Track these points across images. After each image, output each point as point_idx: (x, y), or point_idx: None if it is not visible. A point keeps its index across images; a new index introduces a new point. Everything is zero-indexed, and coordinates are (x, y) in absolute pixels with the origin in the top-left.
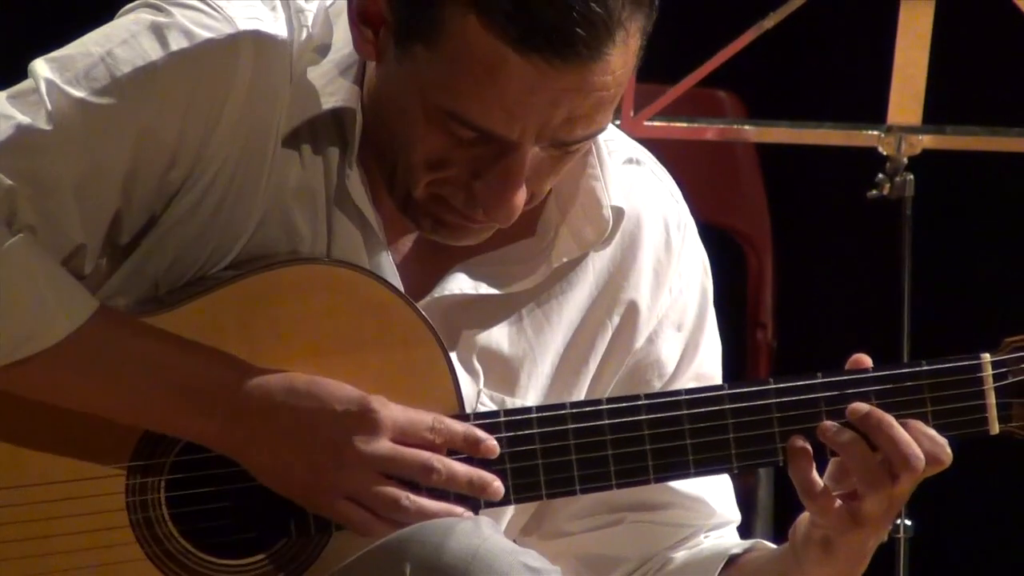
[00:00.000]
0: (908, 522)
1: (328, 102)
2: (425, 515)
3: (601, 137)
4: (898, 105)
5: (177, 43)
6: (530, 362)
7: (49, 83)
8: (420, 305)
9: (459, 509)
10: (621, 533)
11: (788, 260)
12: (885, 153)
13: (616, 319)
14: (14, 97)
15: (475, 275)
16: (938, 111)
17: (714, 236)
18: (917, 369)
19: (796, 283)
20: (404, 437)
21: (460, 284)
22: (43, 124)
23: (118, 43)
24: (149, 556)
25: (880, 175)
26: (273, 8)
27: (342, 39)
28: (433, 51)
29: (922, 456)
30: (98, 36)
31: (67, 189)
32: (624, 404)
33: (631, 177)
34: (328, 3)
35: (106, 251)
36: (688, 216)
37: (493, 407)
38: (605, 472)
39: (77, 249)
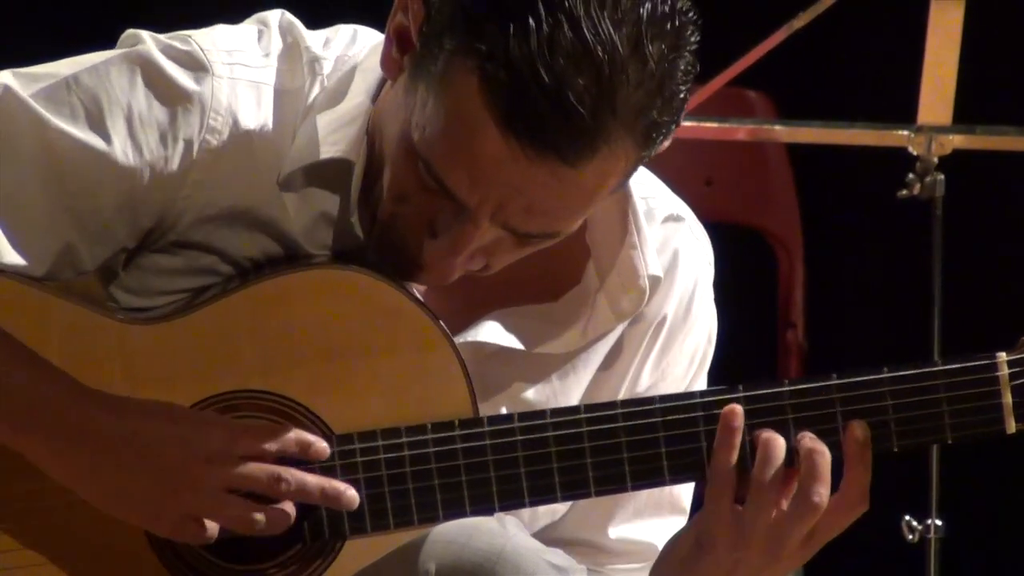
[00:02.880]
0: (939, 522)
1: (328, 152)
2: (273, 525)
3: (639, 195)
4: (928, 105)
5: (144, 80)
6: (553, 405)
7: (6, 89)
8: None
9: (338, 487)
10: None
11: (819, 260)
12: (915, 153)
13: (633, 368)
14: None
15: (508, 327)
16: (968, 111)
17: (744, 236)
18: (933, 369)
19: (827, 283)
20: (251, 452)
21: (493, 334)
22: None
23: (87, 68)
24: (161, 559)
25: (910, 175)
26: (267, 55)
27: (359, 89)
28: (431, 95)
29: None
30: (73, 59)
31: None
32: (638, 408)
33: (669, 232)
34: (360, 56)
35: (66, 273)
36: (710, 279)
37: None
38: (620, 474)
39: None
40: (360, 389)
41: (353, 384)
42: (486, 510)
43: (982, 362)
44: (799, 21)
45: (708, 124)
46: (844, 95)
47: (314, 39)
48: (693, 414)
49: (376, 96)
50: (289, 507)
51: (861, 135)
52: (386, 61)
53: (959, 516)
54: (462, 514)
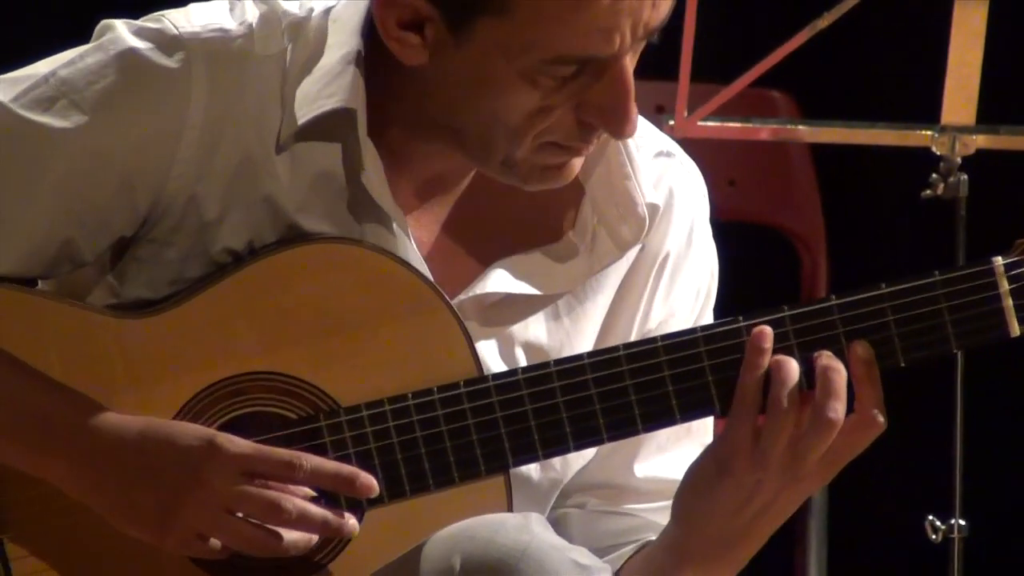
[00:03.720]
0: (962, 522)
1: (324, 105)
2: (276, 551)
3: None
4: (952, 105)
5: (121, 64)
6: (568, 349)
7: None
8: (458, 301)
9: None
10: (575, 517)
11: (842, 260)
12: (939, 153)
13: (643, 305)
14: None
15: (512, 274)
16: (992, 111)
17: (768, 236)
18: (930, 280)
19: (850, 283)
20: (255, 471)
21: (501, 283)
22: None
23: (64, 64)
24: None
25: (934, 175)
26: (241, 23)
27: (338, 40)
28: (503, 16)
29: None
30: (50, 58)
31: None
32: (641, 348)
33: (662, 168)
34: (328, 5)
35: (65, 267)
36: (707, 213)
37: None
38: (630, 417)
39: None
40: (363, 360)
41: (355, 356)
42: (500, 468)
43: (979, 268)
44: (823, 21)
45: (731, 124)
46: (867, 95)
47: (290, 4)
48: (696, 349)
49: (363, 33)
50: (295, 534)
51: (884, 135)
52: (410, 55)
53: (983, 516)
54: (476, 473)
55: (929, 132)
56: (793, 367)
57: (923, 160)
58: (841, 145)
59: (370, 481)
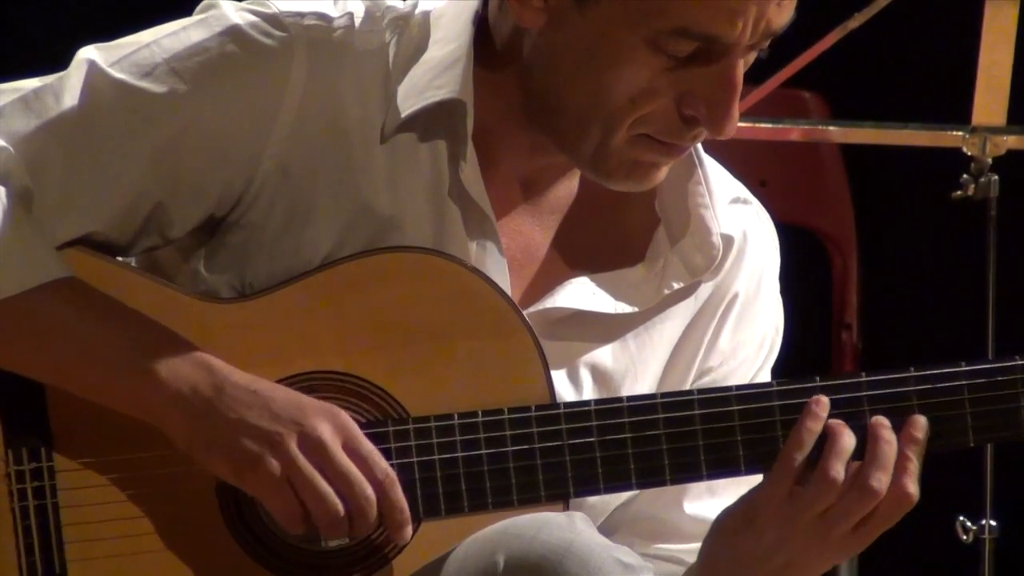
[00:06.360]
0: (993, 523)
1: (436, 96)
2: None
3: (710, 174)
4: (983, 105)
5: (223, 39)
6: (631, 377)
7: (90, 63)
8: (530, 312)
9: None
10: None
11: (873, 261)
12: (970, 154)
13: (707, 340)
14: (50, 78)
15: (583, 292)
16: (1023, 111)
17: (799, 237)
18: (1012, 363)
19: (881, 284)
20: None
21: (571, 299)
22: (68, 99)
23: (167, 34)
24: (239, 542)
25: (965, 176)
26: (343, 15)
27: (445, 35)
28: None
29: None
30: (153, 29)
31: (77, 165)
32: (715, 395)
33: (738, 213)
34: (429, 8)
35: (153, 237)
36: (778, 265)
37: None
38: (695, 462)
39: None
40: (438, 373)
41: (431, 368)
42: (561, 496)
43: None
44: (854, 22)
45: (762, 125)
46: (898, 96)
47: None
48: (770, 403)
49: (475, 37)
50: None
51: (915, 136)
52: (529, 17)
53: (1014, 517)
54: (536, 499)
55: (960, 133)
56: (849, 442)
57: (954, 161)
58: (872, 146)
59: (408, 532)
